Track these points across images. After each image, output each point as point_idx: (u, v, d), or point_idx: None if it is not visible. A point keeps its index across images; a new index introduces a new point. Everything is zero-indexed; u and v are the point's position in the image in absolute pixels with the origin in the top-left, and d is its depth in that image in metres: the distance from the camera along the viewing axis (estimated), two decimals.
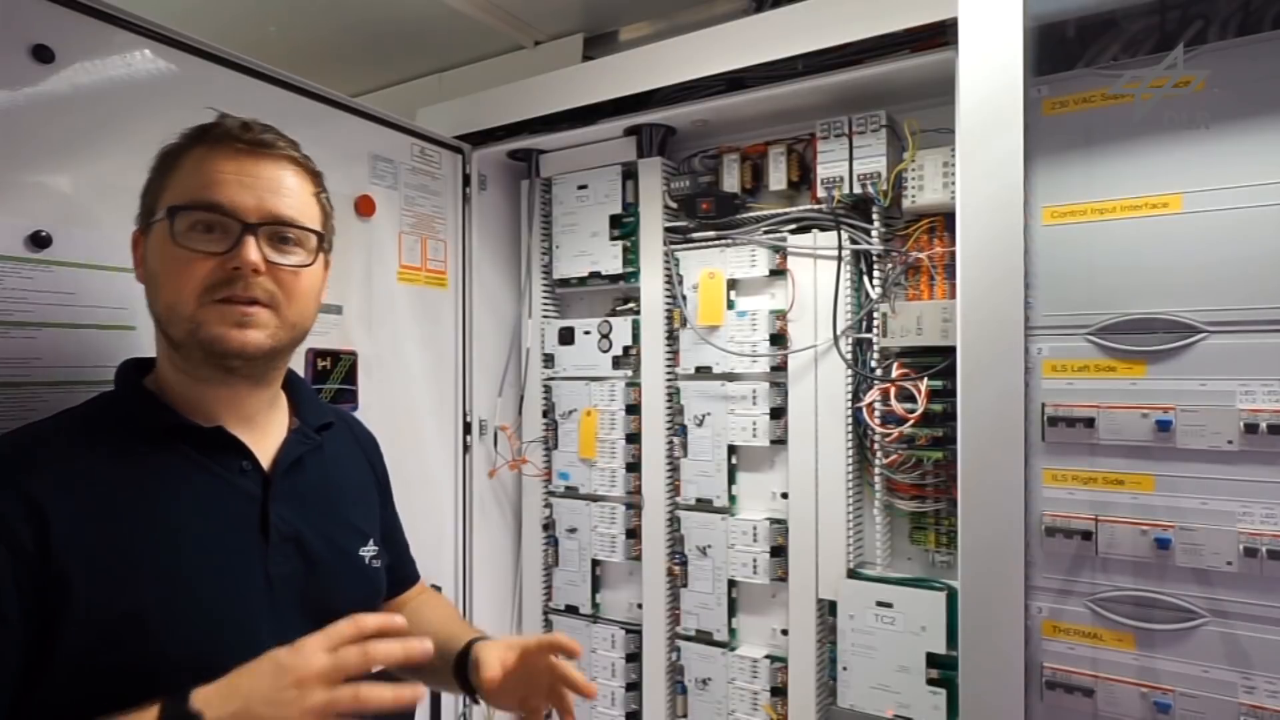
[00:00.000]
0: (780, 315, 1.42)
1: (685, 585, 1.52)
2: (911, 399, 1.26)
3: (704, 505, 1.51)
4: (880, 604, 1.29)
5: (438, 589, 1.55)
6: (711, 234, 1.51)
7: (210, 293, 0.76)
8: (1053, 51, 1.05)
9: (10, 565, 0.67)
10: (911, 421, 1.26)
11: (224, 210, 0.77)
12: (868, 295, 1.36)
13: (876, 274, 1.34)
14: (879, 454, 1.33)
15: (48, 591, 0.68)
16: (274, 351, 0.81)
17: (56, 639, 0.69)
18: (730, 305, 1.49)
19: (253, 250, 0.77)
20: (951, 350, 1.13)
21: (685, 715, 1.52)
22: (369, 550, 0.93)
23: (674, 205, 1.53)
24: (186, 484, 0.78)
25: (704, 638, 1.51)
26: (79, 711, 0.70)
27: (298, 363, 1.28)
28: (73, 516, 0.70)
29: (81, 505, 0.72)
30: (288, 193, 0.81)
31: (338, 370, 1.37)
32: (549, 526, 1.70)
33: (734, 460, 1.49)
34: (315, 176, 0.87)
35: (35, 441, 0.76)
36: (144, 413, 0.79)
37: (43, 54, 0.97)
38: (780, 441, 1.43)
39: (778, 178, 1.45)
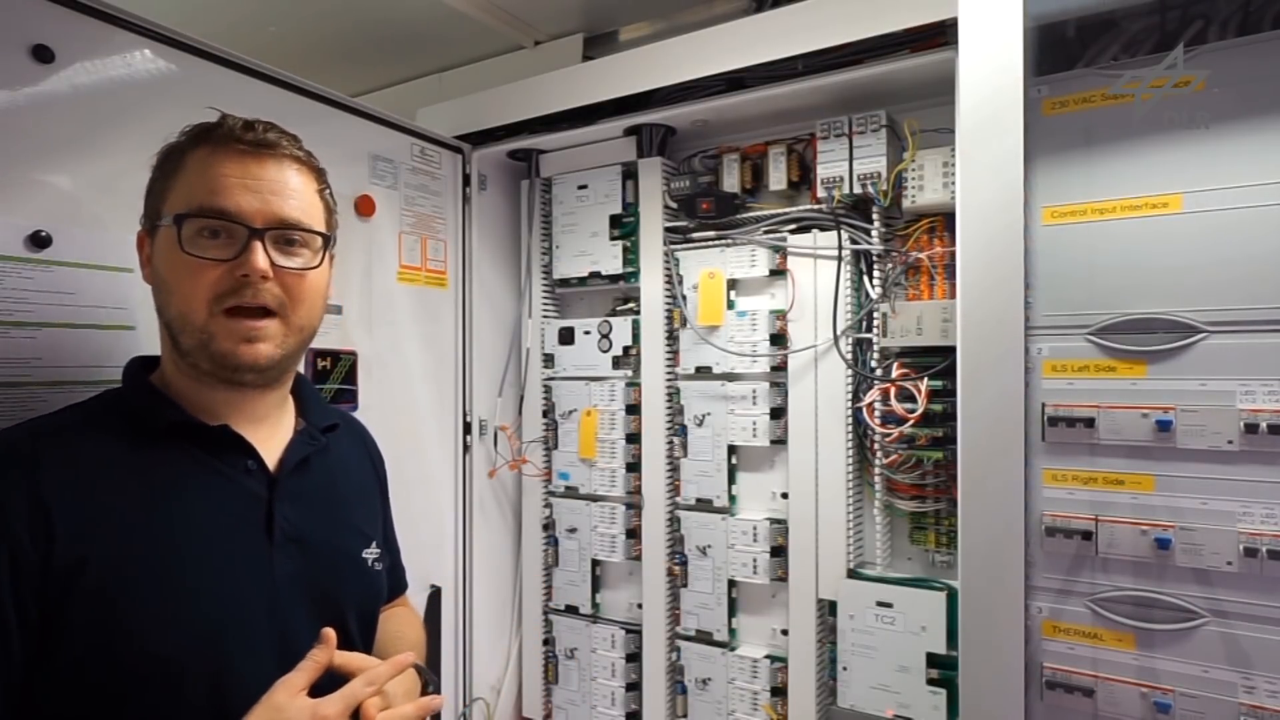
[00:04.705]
0: (780, 315, 1.42)
1: (685, 585, 1.52)
2: (911, 399, 1.26)
3: (704, 505, 1.51)
4: (880, 604, 1.29)
5: (438, 590, 1.57)
6: (711, 234, 1.51)
7: (220, 301, 0.77)
8: (1053, 51, 1.05)
9: (9, 569, 0.67)
10: (912, 421, 1.26)
11: (229, 216, 0.77)
12: (868, 295, 1.36)
13: (876, 274, 1.34)
14: (879, 454, 1.33)
15: (48, 594, 0.68)
16: (284, 360, 0.82)
17: (58, 640, 0.68)
18: (730, 305, 1.49)
19: (260, 257, 0.77)
20: (951, 350, 1.13)
21: (685, 715, 1.52)
22: (372, 552, 0.93)
23: (674, 205, 1.52)
24: (191, 482, 0.78)
25: (704, 638, 1.51)
26: (80, 712, 0.70)
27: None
28: (78, 515, 0.70)
29: (87, 503, 0.72)
30: (292, 194, 0.81)
31: (338, 370, 1.37)
32: (549, 526, 1.70)
33: (734, 460, 1.49)
34: (318, 174, 0.86)
35: (44, 435, 0.76)
36: (151, 410, 0.79)
37: (43, 54, 0.97)
38: (780, 441, 1.43)
39: (778, 178, 1.45)
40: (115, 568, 0.71)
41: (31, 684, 0.69)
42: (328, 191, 0.87)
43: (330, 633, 0.75)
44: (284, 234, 0.80)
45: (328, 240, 0.85)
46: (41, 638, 0.68)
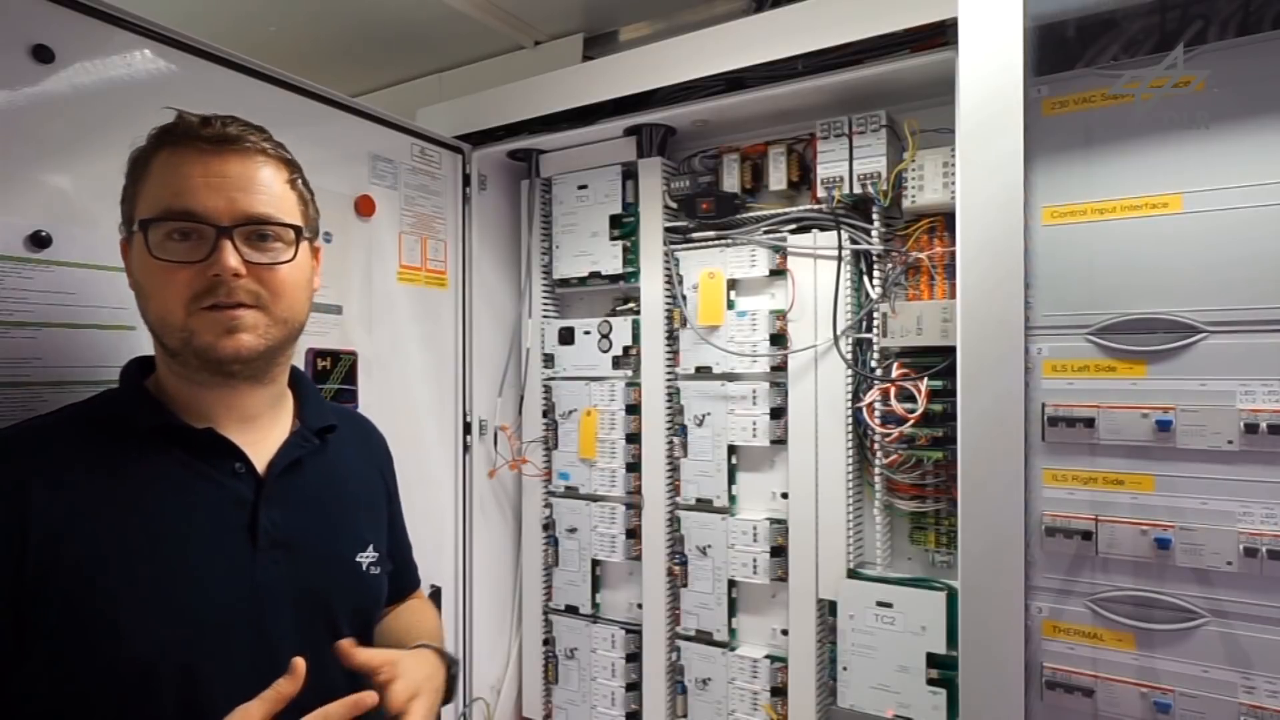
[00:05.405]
0: (780, 315, 1.42)
1: (685, 585, 1.52)
2: (911, 399, 1.26)
3: (704, 505, 1.51)
4: (880, 604, 1.29)
5: (438, 590, 1.57)
6: (711, 234, 1.51)
7: (196, 301, 0.76)
8: (1053, 51, 1.05)
9: None
10: (911, 421, 1.26)
11: (195, 217, 0.76)
12: (868, 295, 1.36)
13: (876, 274, 1.34)
14: (879, 454, 1.32)
15: (23, 593, 0.68)
16: (269, 351, 0.81)
17: (34, 639, 0.68)
18: (730, 305, 1.49)
19: (230, 255, 0.76)
20: (951, 350, 1.13)
21: (685, 715, 1.52)
22: (368, 556, 0.91)
23: (674, 205, 1.52)
24: (173, 486, 0.77)
25: (704, 638, 1.51)
26: (54, 709, 0.69)
27: (298, 362, 1.28)
28: (58, 517, 0.70)
29: (68, 505, 0.71)
30: (259, 188, 0.79)
31: (338, 370, 1.37)
32: (549, 526, 1.70)
33: (734, 460, 1.49)
34: (288, 164, 0.84)
35: (33, 437, 0.76)
36: (138, 413, 0.79)
37: (43, 54, 0.97)
38: (780, 441, 1.43)
39: (778, 178, 1.45)
40: (88, 569, 0.70)
41: (8, 684, 0.69)
42: (300, 181, 0.85)
43: (300, 662, 0.72)
44: (255, 229, 0.79)
45: (300, 231, 0.83)
46: (17, 638, 0.68)
